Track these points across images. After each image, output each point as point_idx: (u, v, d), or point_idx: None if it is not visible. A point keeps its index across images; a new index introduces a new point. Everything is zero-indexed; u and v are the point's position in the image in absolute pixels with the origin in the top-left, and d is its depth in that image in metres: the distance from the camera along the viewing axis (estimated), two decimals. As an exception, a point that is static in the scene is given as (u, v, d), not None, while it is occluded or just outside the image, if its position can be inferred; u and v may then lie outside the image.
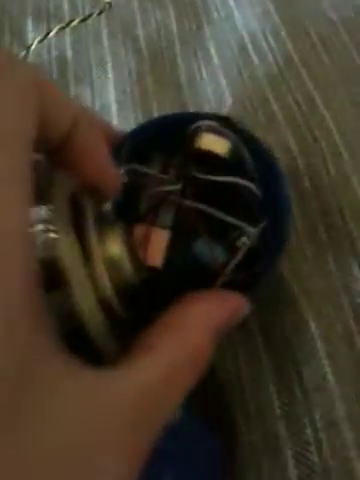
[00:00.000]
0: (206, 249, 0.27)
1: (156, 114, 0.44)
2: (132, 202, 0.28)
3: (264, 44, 0.48)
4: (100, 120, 0.29)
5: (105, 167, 0.24)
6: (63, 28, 0.46)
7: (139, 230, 0.27)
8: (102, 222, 0.22)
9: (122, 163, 0.28)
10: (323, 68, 0.46)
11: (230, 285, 0.26)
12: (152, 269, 0.26)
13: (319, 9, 0.51)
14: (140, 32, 0.50)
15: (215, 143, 0.29)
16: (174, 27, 0.50)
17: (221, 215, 0.28)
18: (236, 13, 0.51)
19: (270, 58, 0.47)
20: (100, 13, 0.47)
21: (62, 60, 0.47)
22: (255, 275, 0.27)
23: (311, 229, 0.37)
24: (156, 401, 0.18)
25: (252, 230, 0.27)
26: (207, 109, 0.45)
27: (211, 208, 0.27)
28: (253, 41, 0.48)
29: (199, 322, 0.21)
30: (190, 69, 0.48)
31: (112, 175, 0.24)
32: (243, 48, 0.48)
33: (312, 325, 0.32)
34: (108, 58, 0.47)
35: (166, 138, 0.29)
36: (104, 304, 0.20)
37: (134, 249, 0.23)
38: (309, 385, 0.30)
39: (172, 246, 0.27)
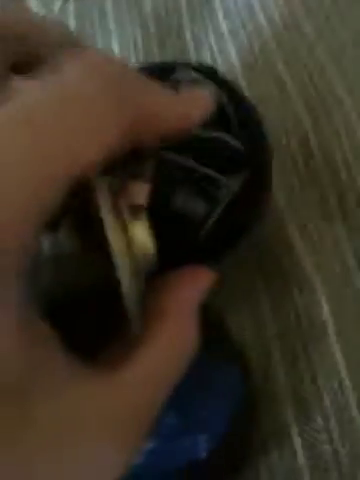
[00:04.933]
0: (187, 202, 0.27)
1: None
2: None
3: (275, 11, 0.46)
4: None
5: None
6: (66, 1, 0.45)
7: (117, 182, 0.27)
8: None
9: None
10: (335, 34, 0.44)
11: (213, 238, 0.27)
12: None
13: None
14: (148, 6, 0.48)
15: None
16: (182, -4, 0.48)
17: (201, 168, 0.27)
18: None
19: (281, 25, 0.45)
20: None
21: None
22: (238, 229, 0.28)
23: (325, 208, 0.36)
24: (148, 396, 0.19)
25: (231, 182, 0.27)
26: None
27: (190, 161, 0.27)
28: (263, 8, 0.46)
29: (184, 313, 0.22)
30: (198, 39, 0.46)
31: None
32: (253, 15, 0.46)
33: (325, 306, 0.32)
34: (113, 30, 0.45)
35: None
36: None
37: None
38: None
39: (152, 200, 0.26)
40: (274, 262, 0.34)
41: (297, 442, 0.28)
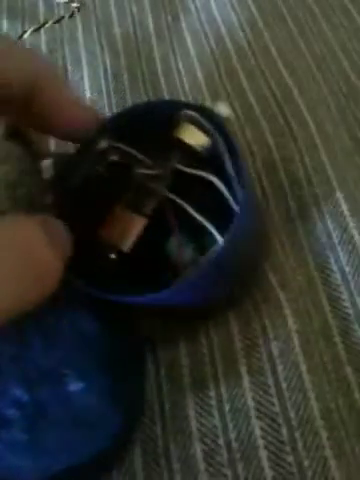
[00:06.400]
0: (176, 248, 0.28)
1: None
2: (115, 181, 0.28)
3: (241, 34, 0.47)
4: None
5: (76, 112, 0.24)
6: (37, 29, 0.46)
7: (118, 210, 0.27)
8: None
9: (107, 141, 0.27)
10: (300, 57, 0.45)
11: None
12: (119, 251, 0.26)
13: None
14: (116, 28, 0.49)
15: (195, 137, 0.28)
16: (150, 20, 0.50)
17: (200, 218, 0.28)
18: (212, 3, 0.50)
19: (247, 49, 0.46)
20: (71, 16, 0.47)
21: (37, 60, 0.47)
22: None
23: (289, 223, 0.37)
24: None
25: (221, 240, 0.27)
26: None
27: (193, 209, 0.28)
28: (229, 32, 0.47)
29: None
30: (167, 63, 0.47)
31: (86, 116, 0.25)
32: (220, 39, 0.47)
33: (290, 320, 0.32)
34: (83, 56, 0.47)
35: (149, 125, 0.28)
36: None
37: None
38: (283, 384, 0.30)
39: (145, 235, 0.27)
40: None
41: (263, 454, 0.29)
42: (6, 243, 0.19)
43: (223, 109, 0.30)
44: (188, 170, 0.28)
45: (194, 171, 0.28)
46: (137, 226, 0.27)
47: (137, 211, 0.28)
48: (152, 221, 0.28)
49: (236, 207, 0.28)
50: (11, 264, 0.19)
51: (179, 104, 0.30)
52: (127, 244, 0.27)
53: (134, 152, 0.28)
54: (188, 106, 0.29)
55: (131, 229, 0.27)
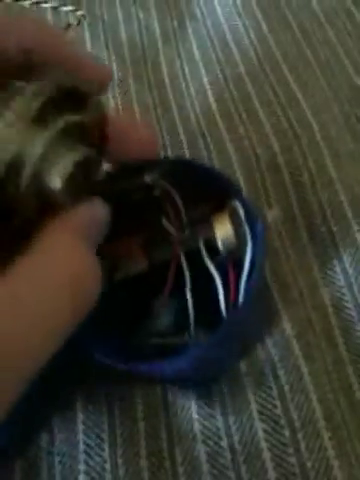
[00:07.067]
0: (157, 309, 0.28)
1: (138, 118, 0.44)
2: (141, 214, 0.27)
3: (246, 40, 0.47)
4: None
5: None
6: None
7: (129, 241, 0.27)
8: None
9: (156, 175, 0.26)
10: (304, 62, 0.46)
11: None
12: (111, 276, 0.26)
13: (301, 1, 0.51)
14: (123, 34, 0.50)
15: (226, 231, 0.28)
16: (156, 26, 0.50)
17: (190, 306, 0.28)
18: (218, 9, 0.51)
19: (252, 54, 0.46)
20: (78, 24, 0.47)
21: (45, 66, 0.48)
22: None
23: (292, 225, 0.37)
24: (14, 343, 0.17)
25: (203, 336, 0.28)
26: (190, 108, 0.44)
27: (191, 293, 0.28)
28: (235, 37, 0.48)
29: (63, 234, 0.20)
30: (172, 68, 0.48)
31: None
32: (225, 45, 0.48)
33: (288, 326, 0.32)
34: (90, 61, 0.47)
35: (197, 184, 0.28)
36: None
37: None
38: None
39: (137, 279, 0.27)
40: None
41: (266, 456, 0.29)
42: (56, 277, 0.18)
43: (271, 217, 0.29)
44: (204, 255, 0.28)
45: (207, 258, 0.28)
46: (137, 267, 0.27)
47: (145, 253, 0.27)
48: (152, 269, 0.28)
49: (225, 314, 0.28)
50: (62, 298, 0.18)
51: (234, 188, 0.29)
52: (117, 276, 0.27)
53: (177, 197, 0.27)
54: (243, 201, 0.28)
55: (129, 266, 0.27)
